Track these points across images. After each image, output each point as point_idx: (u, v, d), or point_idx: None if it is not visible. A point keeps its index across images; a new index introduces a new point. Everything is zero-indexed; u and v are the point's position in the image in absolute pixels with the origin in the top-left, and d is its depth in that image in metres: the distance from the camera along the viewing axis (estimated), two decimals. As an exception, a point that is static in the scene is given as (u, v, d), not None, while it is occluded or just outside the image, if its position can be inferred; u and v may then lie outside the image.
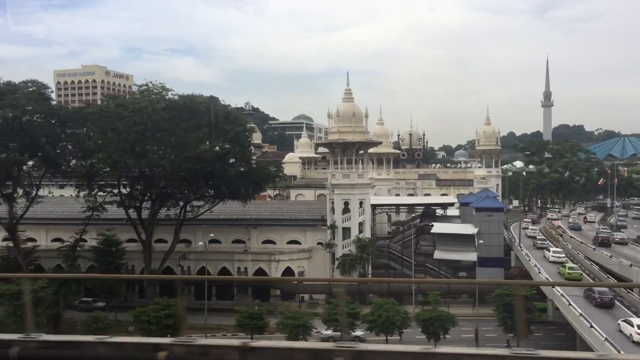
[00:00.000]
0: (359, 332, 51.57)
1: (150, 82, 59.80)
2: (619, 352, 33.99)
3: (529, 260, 62.21)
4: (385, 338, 51.04)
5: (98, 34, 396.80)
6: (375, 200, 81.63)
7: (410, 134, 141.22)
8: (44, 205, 69.49)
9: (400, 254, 75.26)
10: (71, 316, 60.18)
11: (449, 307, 59.54)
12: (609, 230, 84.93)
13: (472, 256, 70.89)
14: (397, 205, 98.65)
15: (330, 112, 73.06)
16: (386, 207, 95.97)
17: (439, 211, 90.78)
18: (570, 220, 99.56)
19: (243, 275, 68.43)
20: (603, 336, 37.91)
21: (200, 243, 66.50)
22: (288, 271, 70.09)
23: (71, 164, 63.05)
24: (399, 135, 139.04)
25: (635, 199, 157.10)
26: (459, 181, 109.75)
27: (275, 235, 73.90)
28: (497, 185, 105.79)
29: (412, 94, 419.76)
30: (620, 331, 40.12)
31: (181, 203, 64.50)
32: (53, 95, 75.05)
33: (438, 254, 72.84)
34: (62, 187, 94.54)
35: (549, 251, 65.02)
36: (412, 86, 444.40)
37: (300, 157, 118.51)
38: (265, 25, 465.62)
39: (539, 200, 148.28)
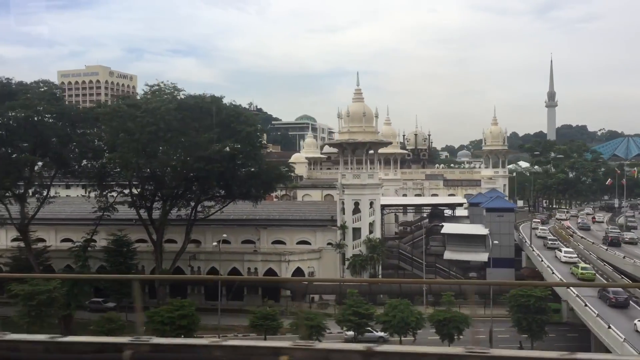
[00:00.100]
0: (382, 333, 51.40)
1: (162, 82, 59.79)
2: (639, 353, 33.82)
3: (541, 260, 62.01)
4: (399, 339, 50.86)
5: (99, 34, 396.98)
6: (384, 200, 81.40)
7: (416, 134, 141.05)
8: (53, 206, 69.44)
9: (410, 254, 75.09)
10: (81, 317, 60.13)
11: (460, 307, 59.34)
12: (618, 230, 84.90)
13: (482, 257, 70.71)
14: (406, 206, 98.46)
15: (340, 112, 72.95)
16: (393, 208, 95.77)
17: (447, 211, 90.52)
18: (579, 220, 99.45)
19: (253, 276, 68.35)
20: (622, 337, 37.72)
21: (214, 244, 66.34)
22: (298, 271, 69.98)
23: (82, 164, 62.97)
24: (404, 136, 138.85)
25: None
26: (467, 181, 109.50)
27: (285, 235, 73.79)
28: (504, 185, 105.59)
29: (413, 94, 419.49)
30: (637, 331, 40.01)
31: (192, 203, 64.39)
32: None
33: (448, 255, 72.64)
34: (68, 187, 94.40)
35: (561, 251, 64.82)
36: (413, 86, 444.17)
37: (306, 158, 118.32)
38: (266, 25, 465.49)
39: (545, 201, 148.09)
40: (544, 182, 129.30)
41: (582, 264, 58.87)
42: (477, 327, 54.28)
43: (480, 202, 79.48)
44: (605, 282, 55.74)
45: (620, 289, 47.66)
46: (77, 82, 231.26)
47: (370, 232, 71.13)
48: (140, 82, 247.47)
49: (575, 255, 63.75)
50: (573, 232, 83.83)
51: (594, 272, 56.82)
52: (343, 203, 71.97)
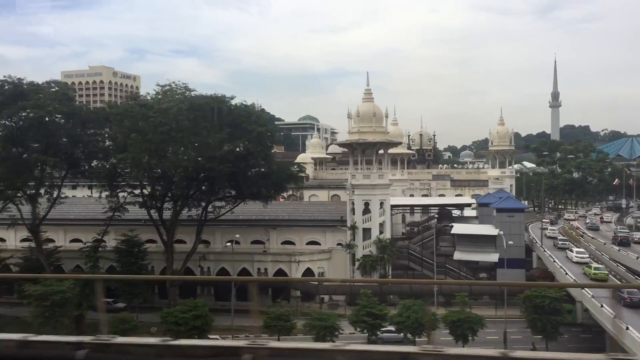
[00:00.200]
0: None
1: (173, 82, 59.67)
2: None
3: (554, 261, 61.77)
4: (413, 339, 50.66)
5: (101, 35, 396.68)
6: (393, 200, 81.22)
7: (421, 135, 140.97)
8: (61, 206, 69.33)
9: (420, 254, 74.89)
10: (91, 317, 59.92)
11: (471, 308, 59.09)
12: (627, 230, 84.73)
13: (493, 257, 70.49)
14: (415, 206, 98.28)
15: (350, 112, 72.81)
16: (400, 208, 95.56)
17: (455, 212, 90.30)
18: (587, 220, 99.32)
19: (263, 276, 68.18)
20: (640, 338, 37.50)
21: (227, 244, 66.22)
22: (308, 272, 69.80)
23: (92, 164, 62.85)
24: (409, 136, 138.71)
25: None
26: (474, 182, 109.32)
27: (294, 235, 73.61)
28: (511, 185, 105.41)
29: (414, 94, 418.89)
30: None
31: (203, 204, 64.23)
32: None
33: (458, 255, 72.46)
34: (74, 187, 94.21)
35: (572, 251, 64.63)
36: (414, 87, 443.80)
37: (312, 158, 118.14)
38: (268, 26, 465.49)
39: (551, 201, 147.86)
40: (550, 183, 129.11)
41: (595, 264, 58.66)
42: (488, 328, 54.40)
43: (489, 203, 79.19)
44: (619, 282, 55.54)
45: (635, 289, 47.39)
46: (80, 83, 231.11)
47: (381, 232, 70.96)
48: (143, 83, 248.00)
49: (587, 256, 63.53)
50: (583, 233, 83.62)
51: (607, 272, 56.60)
52: (353, 203, 71.79)
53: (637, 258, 60.25)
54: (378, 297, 62.41)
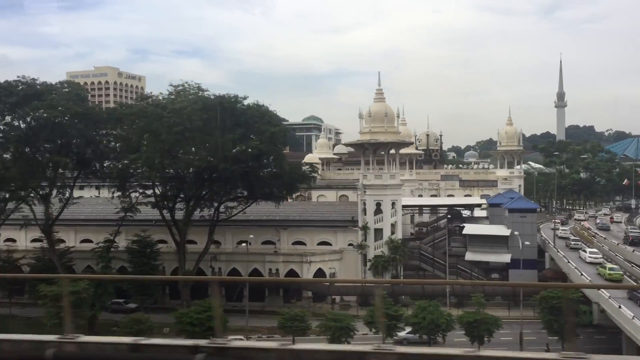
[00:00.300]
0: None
1: (186, 82, 59.55)
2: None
3: (567, 262, 61.46)
4: (428, 341, 50.39)
5: (104, 35, 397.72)
6: (403, 201, 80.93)
7: (428, 135, 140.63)
8: (71, 206, 69.24)
9: (431, 255, 74.61)
10: (102, 317, 59.82)
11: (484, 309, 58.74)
12: (639, 230, 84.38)
13: (505, 257, 70.22)
14: (425, 207, 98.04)
15: (361, 112, 72.63)
16: (409, 208, 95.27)
17: (465, 212, 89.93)
18: (598, 220, 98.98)
19: (275, 277, 68.01)
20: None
21: (243, 244, 66.07)
22: (319, 272, 69.55)
23: (104, 164, 62.78)
24: (415, 136, 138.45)
25: None
26: (483, 182, 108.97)
27: (305, 236, 73.41)
28: (520, 186, 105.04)
29: (418, 94, 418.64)
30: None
31: (215, 204, 64.07)
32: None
33: (470, 256, 72.16)
34: (81, 188, 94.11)
35: (585, 252, 64.36)
36: (417, 87, 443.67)
37: (319, 158, 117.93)
38: (271, 26, 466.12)
39: (557, 202, 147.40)
40: (558, 183, 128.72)
41: (609, 265, 58.35)
42: (502, 329, 54.06)
43: (500, 203, 78.90)
44: (634, 283, 55.22)
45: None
46: (85, 83, 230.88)
47: (392, 232, 70.70)
48: (148, 83, 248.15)
49: (600, 256, 63.25)
50: (595, 233, 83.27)
51: (621, 272, 56.31)
52: (364, 204, 71.55)
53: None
54: (390, 298, 62.33)
